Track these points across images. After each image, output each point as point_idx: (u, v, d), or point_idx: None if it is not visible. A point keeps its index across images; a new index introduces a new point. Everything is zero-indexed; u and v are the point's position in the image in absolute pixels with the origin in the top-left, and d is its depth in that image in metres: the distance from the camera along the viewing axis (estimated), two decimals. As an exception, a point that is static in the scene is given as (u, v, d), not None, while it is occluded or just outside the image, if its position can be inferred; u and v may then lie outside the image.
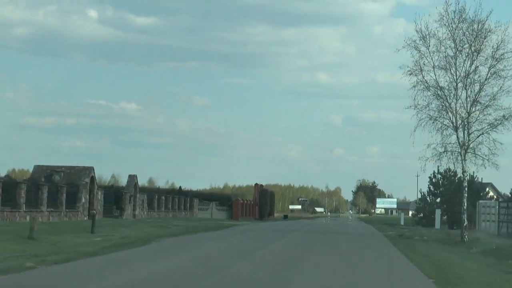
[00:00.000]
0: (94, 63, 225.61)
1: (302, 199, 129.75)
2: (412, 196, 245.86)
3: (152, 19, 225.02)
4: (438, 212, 61.17)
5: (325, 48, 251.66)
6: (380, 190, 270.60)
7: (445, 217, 67.39)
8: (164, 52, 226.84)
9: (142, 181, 69.76)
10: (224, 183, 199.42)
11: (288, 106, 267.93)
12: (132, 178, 54.63)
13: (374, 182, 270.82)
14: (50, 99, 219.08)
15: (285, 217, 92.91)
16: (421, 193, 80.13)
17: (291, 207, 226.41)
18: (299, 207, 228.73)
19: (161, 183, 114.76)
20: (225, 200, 78.97)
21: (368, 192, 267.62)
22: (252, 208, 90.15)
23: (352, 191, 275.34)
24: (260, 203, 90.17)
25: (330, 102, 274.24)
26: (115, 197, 51.95)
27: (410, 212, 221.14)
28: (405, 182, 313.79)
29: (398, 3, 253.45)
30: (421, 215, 79.91)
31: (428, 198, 78.59)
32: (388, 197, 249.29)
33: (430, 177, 67.48)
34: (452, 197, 63.56)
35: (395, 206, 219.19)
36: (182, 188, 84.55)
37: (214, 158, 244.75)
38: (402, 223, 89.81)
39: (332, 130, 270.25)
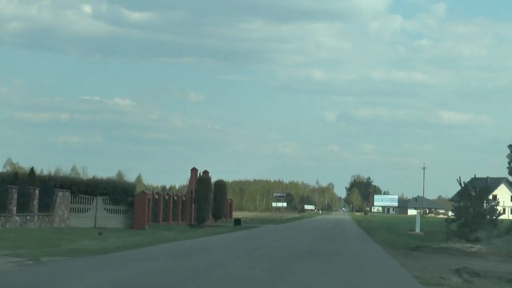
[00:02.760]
0: (89, 59, 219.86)
1: (278, 194, 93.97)
2: (411, 193, 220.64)
3: (146, 14, 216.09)
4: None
5: (321, 44, 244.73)
6: (375, 186, 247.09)
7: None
8: (159, 47, 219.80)
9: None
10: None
11: (284, 102, 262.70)
12: None
13: (369, 178, 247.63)
14: (45, 94, 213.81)
15: (237, 222, 56.56)
16: (460, 183, 44.59)
17: (274, 204, 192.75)
18: (285, 204, 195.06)
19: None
20: (121, 194, 43.58)
21: (362, 189, 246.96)
22: (184, 207, 54.85)
23: (346, 187, 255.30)
24: (198, 199, 54.81)
25: (325, 99, 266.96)
26: None
27: (410, 211, 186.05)
28: (401, 179, 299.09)
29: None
30: (462, 220, 44.73)
31: (474, 193, 43.84)
32: (384, 194, 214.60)
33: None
34: None
35: (396, 203, 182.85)
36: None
37: (209, 154, 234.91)
38: (417, 229, 55.61)
39: (326, 127, 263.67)
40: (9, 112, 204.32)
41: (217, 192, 61.15)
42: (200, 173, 58.09)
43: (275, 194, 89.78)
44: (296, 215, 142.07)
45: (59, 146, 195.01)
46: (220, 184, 61.42)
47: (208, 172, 61.32)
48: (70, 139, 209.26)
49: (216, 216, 61.11)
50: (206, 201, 54.03)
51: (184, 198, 54.17)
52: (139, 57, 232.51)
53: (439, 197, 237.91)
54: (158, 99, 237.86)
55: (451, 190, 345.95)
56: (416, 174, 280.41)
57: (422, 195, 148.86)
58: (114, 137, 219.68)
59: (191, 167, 57.88)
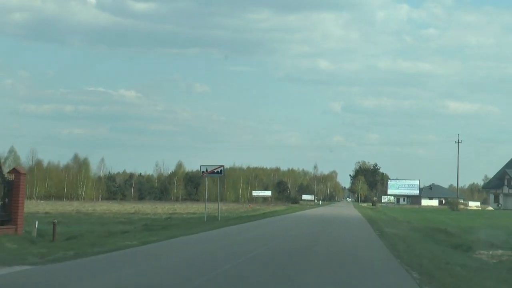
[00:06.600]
0: (93, 50, 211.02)
1: (205, 165, 43.12)
2: (423, 181, 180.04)
3: (151, 4, 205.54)
4: None
5: (328, 34, 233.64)
6: (383, 174, 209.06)
7: None
8: (164, 38, 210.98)
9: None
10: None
11: (289, 93, 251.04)
12: None
13: (376, 165, 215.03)
14: (49, 86, 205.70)
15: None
16: None
17: (255, 193, 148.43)
18: (269, 193, 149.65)
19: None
20: None
21: (369, 177, 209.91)
22: None
23: (350, 175, 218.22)
24: None
25: (331, 89, 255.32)
26: None
27: (423, 202, 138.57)
28: (408, 168, 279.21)
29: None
30: None
31: None
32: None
33: None
34: None
35: (416, 191, 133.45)
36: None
37: (214, 145, 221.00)
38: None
39: (332, 118, 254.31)
40: (13, 104, 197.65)
41: None
42: None
43: (200, 166, 40.28)
44: (279, 207, 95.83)
45: (64, 138, 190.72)
46: None
47: None
48: (75, 130, 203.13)
49: None
50: None
51: None
52: (143, 48, 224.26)
53: (451, 185, 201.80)
54: (163, 90, 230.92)
55: (464, 179, 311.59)
56: (423, 163, 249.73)
57: (457, 182, 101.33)
58: (119, 128, 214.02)
59: None
